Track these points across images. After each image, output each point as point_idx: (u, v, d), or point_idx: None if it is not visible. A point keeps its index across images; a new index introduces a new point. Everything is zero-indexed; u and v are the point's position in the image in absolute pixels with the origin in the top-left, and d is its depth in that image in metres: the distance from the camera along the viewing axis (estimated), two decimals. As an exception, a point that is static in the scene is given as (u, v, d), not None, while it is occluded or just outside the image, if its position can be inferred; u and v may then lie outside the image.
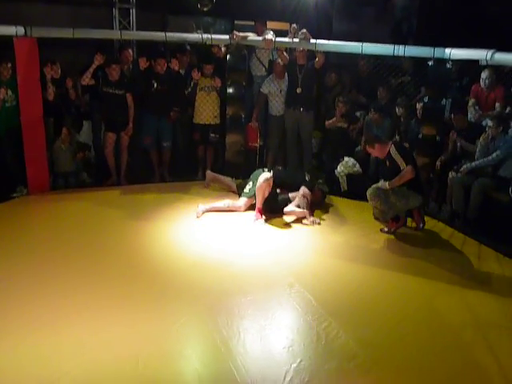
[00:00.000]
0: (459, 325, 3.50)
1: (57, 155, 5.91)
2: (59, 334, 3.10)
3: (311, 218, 5.27)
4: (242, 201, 5.46)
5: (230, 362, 2.91)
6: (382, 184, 4.87)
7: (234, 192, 5.92)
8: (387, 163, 4.95)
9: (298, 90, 6.38)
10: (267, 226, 5.15)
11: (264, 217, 5.25)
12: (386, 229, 5.07)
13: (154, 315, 3.38)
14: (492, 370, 3.01)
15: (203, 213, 5.28)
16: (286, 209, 5.37)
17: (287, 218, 5.32)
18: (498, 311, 3.70)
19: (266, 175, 5.27)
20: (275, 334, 3.24)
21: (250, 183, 5.50)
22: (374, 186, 4.96)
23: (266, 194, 5.27)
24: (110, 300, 3.52)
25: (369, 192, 4.94)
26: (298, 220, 5.30)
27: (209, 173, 6.21)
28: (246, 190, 5.52)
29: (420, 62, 5.87)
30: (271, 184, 5.28)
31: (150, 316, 3.36)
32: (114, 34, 6.54)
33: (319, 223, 5.25)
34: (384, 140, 5.12)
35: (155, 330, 3.20)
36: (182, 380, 2.75)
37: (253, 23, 6.64)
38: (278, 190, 5.50)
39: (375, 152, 5.08)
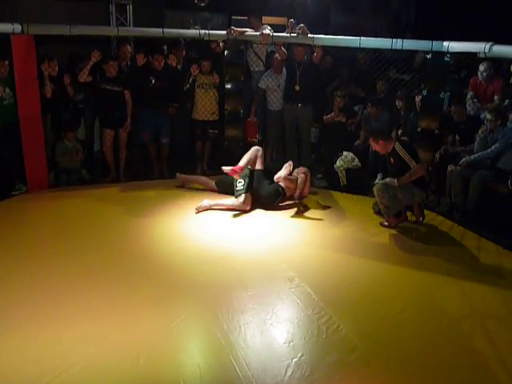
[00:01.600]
0: (458, 316, 3.52)
1: (62, 153, 5.90)
2: (60, 330, 3.11)
3: (298, 193, 5.33)
4: (243, 198, 5.28)
5: (230, 356, 2.93)
6: (391, 181, 4.86)
7: (212, 190, 5.79)
8: (391, 160, 4.95)
9: (297, 88, 6.37)
10: (266, 219, 5.16)
11: (238, 177, 5.32)
12: (386, 223, 5.06)
13: (154, 310, 3.39)
14: (490, 360, 3.03)
15: (204, 209, 5.25)
16: (276, 175, 5.42)
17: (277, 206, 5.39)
18: (497, 303, 3.72)
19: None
20: (276, 328, 3.25)
21: (242, 181, 5.35)
22: (382, 181, 4.98)
23: (252, 158, 5.46)
24: (110, 296, 3.53)
25: (376, 188, 4.93)
26: (292, 205, 5.37)
27: (179, 175, 5.99)
28: (240, 187, 5.34)
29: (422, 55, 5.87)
30: (261, 154, 5.52)
31: (151, 311, 3.38)
32: (111, 31, 6.53)
33: (304, 201, 5.33)
34: (389, 137, 5.11)
35: (156, 326, 3.21)
36: (183, 374, 2.76)
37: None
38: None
39: (378, 147, 5.05)
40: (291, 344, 3.09)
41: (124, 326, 3.20)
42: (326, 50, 6.32)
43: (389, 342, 3.17)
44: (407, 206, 5.16)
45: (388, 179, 4.93)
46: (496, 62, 5.76)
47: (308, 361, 2.93)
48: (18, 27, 5.15)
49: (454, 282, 4.01)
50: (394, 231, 4.97)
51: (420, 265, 4.28)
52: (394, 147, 4.86)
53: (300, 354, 2.98)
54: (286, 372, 2.81)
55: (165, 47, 6.65)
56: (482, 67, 5.71)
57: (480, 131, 5.42)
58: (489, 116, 5.27)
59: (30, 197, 5.56)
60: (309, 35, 5.88)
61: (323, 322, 3.33)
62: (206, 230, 4.84)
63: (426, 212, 5.26)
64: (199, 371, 2.80)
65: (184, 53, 6.56)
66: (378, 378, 2.82)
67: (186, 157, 6.80)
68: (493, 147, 5.24)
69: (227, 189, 5.56)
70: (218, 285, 3.76)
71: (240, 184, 5.35)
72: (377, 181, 6.39)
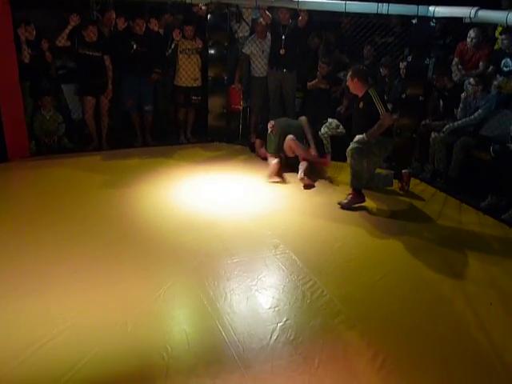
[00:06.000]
0: (439, 280, 3.61)
1: (40, 124, 5.78)
2: (46, 299, 3.11)
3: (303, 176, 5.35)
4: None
5: (216, 321, 2.97)
6: (360, 138, 4.67)
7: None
8: (360, 104, 4.80)
9: (282, 52, 6.29)
10: (250, 187, 5.17)
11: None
12: (345, 200, 4.78)
13: (140, 278, 3.40)
14: (469, 321, 3.13)
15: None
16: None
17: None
18: (475, 267, 3.82)
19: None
20: (261, 294, 3.30)
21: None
22: (354, 142, 4.75)
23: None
24: (96, 265, 3.52)
25: (349, 149, 4.74)
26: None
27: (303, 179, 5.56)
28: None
29: (406, 20, 5.80)
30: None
31: (138, 279, 3.39)
32: (90, -8, 6.31)
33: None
34: (366, 80, 4.88)
35: (142, 293, 3.23)
36: (171, 340, 2.80)
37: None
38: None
39: (351, 85, 4.85)
40: (276, 309, 3.14)
41: (110, 294, 3.21)
42: (315, 26, 6.25)
43: (372, 306, 3.24)
44: (396, 174, 5.17)
45: (357, 137, 4.72)
46: (481, 28, 5.72)
47: (293, 325, 2.98)
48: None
49: (435, 248, 4.09)
50: (376, 199, 5.01)
51: (402, 231, 4.34)
52: (367, 91, 4.73)
53: (285, 319, 3.03)
54: (271, 336, 2.87)
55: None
56: (472, 33, 5.66)
57: (463, 97, 5.43)
58: (472, 81, 5.27)
59: (11, 166, 5.47)
60: (293, -1, 5.77)
61: (308, 287, 3.39)
62: (190, 197, 4.83)
63: (409, 178, 5.32)
64: (186, 337, 2.84)
65: (171, 19, 6.41)
66: (361, 340, 2.89)
67: (170, 124, 6.72)
68: (476, 114, 5.27)
69: None
70: (204, 252, 3.78)
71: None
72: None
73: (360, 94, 4.82)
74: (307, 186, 5.24)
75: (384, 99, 4.82)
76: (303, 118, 5.86)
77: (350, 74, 4.87)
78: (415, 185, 5.42)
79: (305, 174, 5.32)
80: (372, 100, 4.67)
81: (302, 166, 5.45)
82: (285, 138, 5.60)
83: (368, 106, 4.71)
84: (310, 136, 5.73)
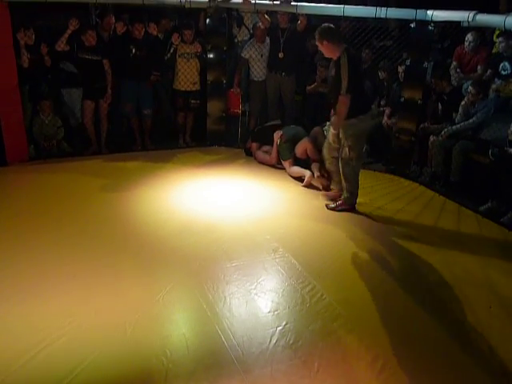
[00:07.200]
0: (438, 283, 3.61)
1: (39, 128, 5.77)
2: (44, 303, 3.11)
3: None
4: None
5: (216, 325, 2.96)
6: (329, 134, 4.57)
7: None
8: (333, 72, 4.41)
9: (280, 55, 6.30)
10: (249, 190, 5.17)
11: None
12: (332, 205, 4.75)
13: (140, 282, 3.40)
14: (468, 325, 3.13)
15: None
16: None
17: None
18: (475, 270, 3.81)
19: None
20: (260, 298, 3.29)
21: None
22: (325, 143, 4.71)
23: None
24: (96, 269, 3.52)
25: (324, 150, 4.68)
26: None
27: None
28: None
29: (404, 24, 5.83)
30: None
31: (137, 283, 3.39)
32: (90, -2, 6.30)
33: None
34: (338, 41, 4.33)
35: (142, 297, 3.22)
36: (170, 344, 2.79)
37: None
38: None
39: (323, 49, 4.42)
40: (276, 313, 3.13)
41: (110, 297, 3.21)
42: (314, 29, 6.25)
43: (371, 310, 3.24)
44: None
45: (327, 132, 4.57)
46: (479, 32, 5.75)
47: (292, 329, 2.98)
48: (-10, -6, 4.97)
49: (435, 251, 4.09)
50: (375, 202, 5.01)
51: (402, 234, 4.34)
52: (339, 57, 4.26)
53: (284, 323, 3.03)
54: (270, 340, 2.86)
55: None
56: (470, 37, 5.68)
57: (463, 102, 5.44)
58: (470, 88, 5.28)
59: (10, 170, 5.46)
60: (292, 3, 5.80)
61: (307, 291, 3.38)
62: (190, 201, 4.83)
63: (407, 182, 5.33)
64: (185, 341, 2.83)
65: (170, 24, 6.43)
66: (361, 344, 2.89)
67: (169, 128, 6.72)
68: (474, 117, 5.28)
69: None
70: (203, 256, 3.77)
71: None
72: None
73: (335, 58, 4.33)
74: (325, 187, 5.22)
75: (355, 68, 4.26)
76: (318, 128, 5.77)
77: (316, 37, 4.37)
78: (413, 188, 5.43)
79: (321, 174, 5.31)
80: (340, 68, 4.19)
81: (316, 166, 5.41)
82: (294, 142, 5.60)
83: (336, 77, 4.25)
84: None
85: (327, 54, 4.46)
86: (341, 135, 4.53)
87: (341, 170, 4.62)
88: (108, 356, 2.68)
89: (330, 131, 4.67)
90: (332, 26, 4.41)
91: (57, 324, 2.90)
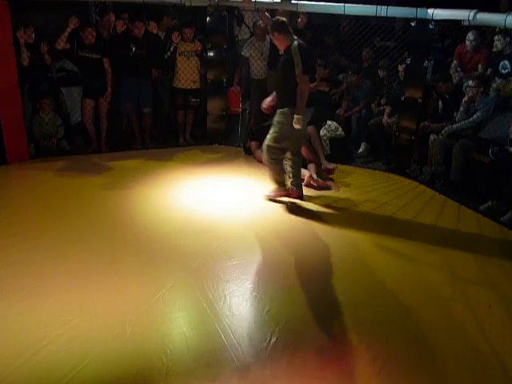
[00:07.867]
0: (438, 282, 3.61)
1: (39, 127, 5.77)
2: (43, 301, 3.11)
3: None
4: None
5: (216, 324, 2.96)
6: (275, 123, 4.53)
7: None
8: (281, 64, 4.54)
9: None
10: (247, 190, 5.16)
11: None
12: (273, 193, 4.81)
13: (140, 281, 3.40)
14: (468, 323, 3.13)
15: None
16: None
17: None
18: (475, 269, 3.82)
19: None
20: (261, 297, 3.29)
21: None
22: (269, 133, 4.63)
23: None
24: (96, 267, 3.52)
25: (264, 145, 4.63)
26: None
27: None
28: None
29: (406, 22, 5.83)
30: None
31: (137, 282, 3.38)
32: (90, -4, 6.32)
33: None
34: (287, 32, 4.46)
35: (142, 296, 3.22)
36: (170, 343, 2.79)
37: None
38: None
39: (275, 41, 4.59)
40: (275, 312, 3.13)
41: (109, 296, 3.21)
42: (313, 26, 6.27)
43: (371, 309, 3.24)
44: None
45: (275, 121, 4.52)
46: (480, 31, 5.74)
47: (292, 327, 2.98)
48: (-10, -8, 4.96)
49: (434, 249, 4.09)
50: (375, 200, 5.01)
51: (402, 233, 4.34)
52: (289, 46, 4.37)
53: (284, 322, 3.02)
54: (270, 339, 2.86)
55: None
56: (471, 36, 5.67)
57: (463, 100, 5.43)
58: (471, 84, 5.27)
59: (11, 168, 5.46)
60: (292, 1, 5.78)
61: (307, 290, 3.37)
62: (190, 200, 4.82)
63: (407, 181, 5.33)
64: (185, 340, 2.83)
65: (172, 22, 6.42)
66: (360, 343, 2.88)
67: (169, 127, 6.72)
68: (474, 116, 5.28)
69: None
70: (203, 255, 3.77)
71: None
72: (360, 150, 6.43)
73: (285, 48, 4.43)
74: (322, 187, 5.22)
75: (307, 58, 4.35)
76: (311, 127, 5.74)
77: (269, 29, 4.57)
78: (414, 187, 5.43)
79: (318, 176, 5.31)
80: (290, 56, 4.24)
81: (311, 167, 5.40)
82: None
83: (284, 64, 4.35)
84: (319, 146, 5.65)
85: (278, 45, 4.59)
86: (274, 120, 4.60)
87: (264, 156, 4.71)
88: (108, 354, 2.68)
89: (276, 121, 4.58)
90: (284, 19, 4.61)
91: (56, 323, 2.90)
